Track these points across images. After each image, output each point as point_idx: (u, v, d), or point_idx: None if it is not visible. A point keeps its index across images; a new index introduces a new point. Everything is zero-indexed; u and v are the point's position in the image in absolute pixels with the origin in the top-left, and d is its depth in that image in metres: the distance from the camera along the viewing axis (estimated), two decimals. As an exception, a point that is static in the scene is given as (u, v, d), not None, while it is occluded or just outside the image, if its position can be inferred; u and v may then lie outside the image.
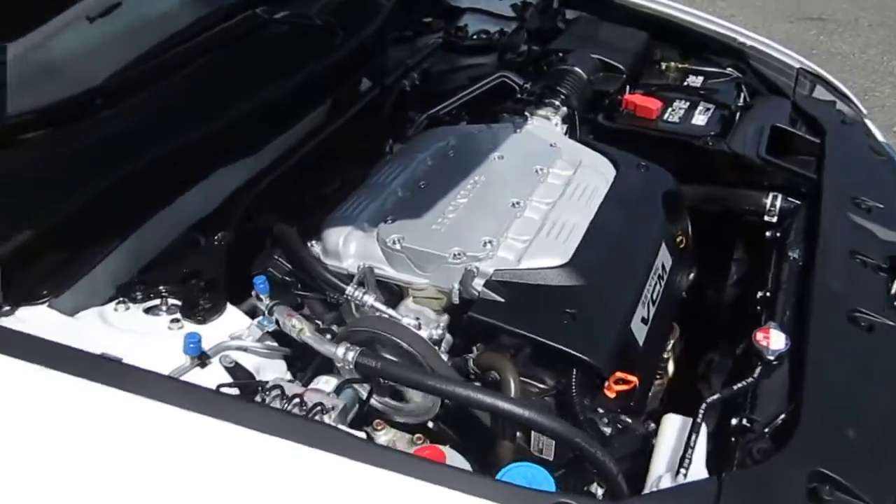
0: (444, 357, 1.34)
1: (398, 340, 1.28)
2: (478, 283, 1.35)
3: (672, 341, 1.61)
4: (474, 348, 1.35)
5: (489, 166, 1.65)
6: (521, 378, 1.31)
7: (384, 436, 1.34)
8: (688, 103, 2.02)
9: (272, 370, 1.34)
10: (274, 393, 1.16)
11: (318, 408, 1.14)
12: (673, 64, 2.20)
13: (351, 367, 1.23)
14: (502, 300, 1.33)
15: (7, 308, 1.26)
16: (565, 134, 1.90)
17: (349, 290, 1.36)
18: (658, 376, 1.63)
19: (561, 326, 1.29)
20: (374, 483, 0.95)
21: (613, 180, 1.64)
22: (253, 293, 1.39)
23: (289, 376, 1.35)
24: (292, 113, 1.81)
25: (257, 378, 1.29)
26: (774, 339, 1.33)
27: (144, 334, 1.28)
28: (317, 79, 1.88)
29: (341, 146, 1.80)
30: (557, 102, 1.92)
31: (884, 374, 1.29)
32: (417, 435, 1.31)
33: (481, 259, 1.40)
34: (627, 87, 2.07)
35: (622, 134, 1.94)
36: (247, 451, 0.99)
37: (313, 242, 1.51)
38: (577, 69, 2.04)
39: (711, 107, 2.00)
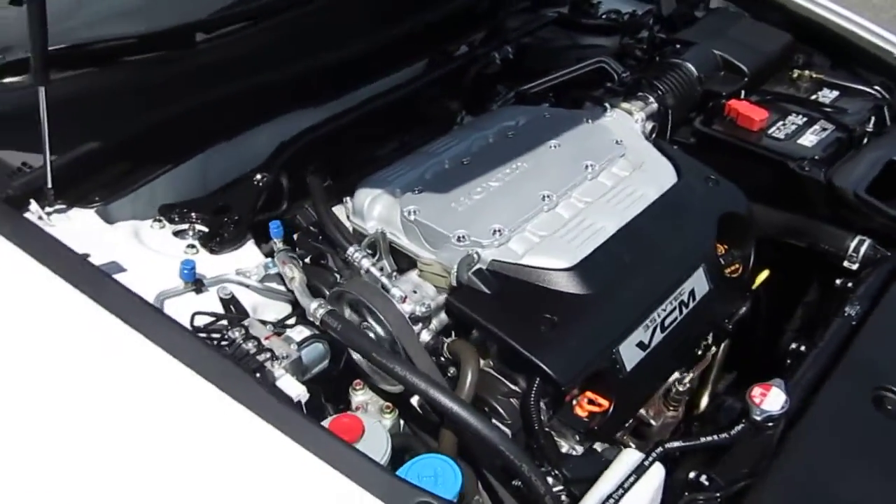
0: (425, 335, 1.34)
1: (372, 308, 1.31)
2: (470, 263, 1.34)
3: (691, 375, 1.49)
4: (453, 333, 1.35)
5: (540, 153, 1.59)
6: (495, 374, 1.29)
7: (360, 396, 1.39)
8: (804, 119, 1.81)
9: (272, 311, 1.43)
10: (238, 331, 1.24)
11: (268, 354, 1.21)
12: (807, 73, 1.96)
13: (318, 322, 1.28)
14: (487, 291, 1.30)
15: (63, 206, 1.43)
16: (651, 132, 1.78)
17: (350, 250, 1.40)
18: (672, 407, 1.53)
19: (534, 331, 1.25)
20: (251, 433, 0.99)
21: (667, 190, 1.52)
22: None
23: (292, 321, 1.42)
24: (378, 68, 1.85)
25: (253, 315, 1.38)
26: (771, 399, 1.20)
27: (160, 253, 1.41)
28: (414, 36, 1.90)
29: (413, 109, 1.82)
30: (651, 98, 1.80)
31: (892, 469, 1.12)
32: (387, 404, 1.34)
33: (485, 246, 1.37)
34: (742, 92, 1.89)
35: (715, 142, 1.78)
36: (149, 369, 1.06)
37: (347, 199, 1.56)
38: (687, 64, 1.89)
39: (830, 128, 1.78)
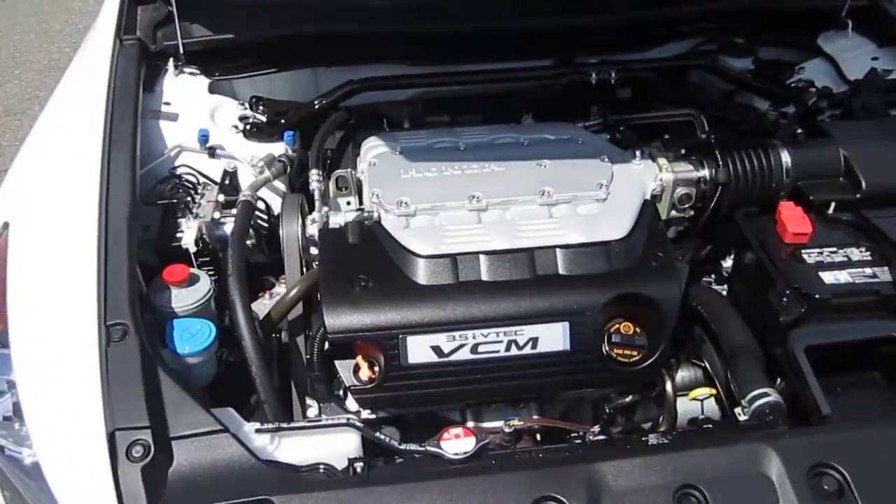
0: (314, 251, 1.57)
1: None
2: (364, 218, 1.53)
3: (516, 421, 1.45)
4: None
5: (521, 165, 1.63)
6: None
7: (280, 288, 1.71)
8: (863, 256, 1.47)
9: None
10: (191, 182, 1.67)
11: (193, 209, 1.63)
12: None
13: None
14: (349, 241, 1.48)
15: (191, 70, 1.96)
16: (686, 200, 1.66)
17: (312, 172, 1.68)
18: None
19: (344, 284, 1.40)
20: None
21: (587, 244, 1.46)
22: None
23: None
24: (508, 51, 2.00)
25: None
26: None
27: (213, 122, 1.86)
28: (556, 35, 2.00)
29: (487, 98, 1.95)
30: (701, 167, 1.64)
31: None
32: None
33: (387, 210, 1.53)
34: (832, 205, 1.59)
35: (736, 231, 1.58)
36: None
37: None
38: (781, 150, 1.65)
39: (881, 278, 1.43)
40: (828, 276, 1.44)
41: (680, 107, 1.84)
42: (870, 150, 1.66)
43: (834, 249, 1.50)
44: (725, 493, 1.11)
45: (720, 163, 1.64)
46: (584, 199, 1.56)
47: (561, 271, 1.44)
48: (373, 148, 1.73)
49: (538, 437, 1.50)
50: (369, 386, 1.39)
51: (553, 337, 1.40)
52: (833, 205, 1.59)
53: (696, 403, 1.52)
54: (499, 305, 1.40)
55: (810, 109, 1.88)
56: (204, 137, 1.78)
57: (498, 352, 1.39)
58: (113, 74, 1.76)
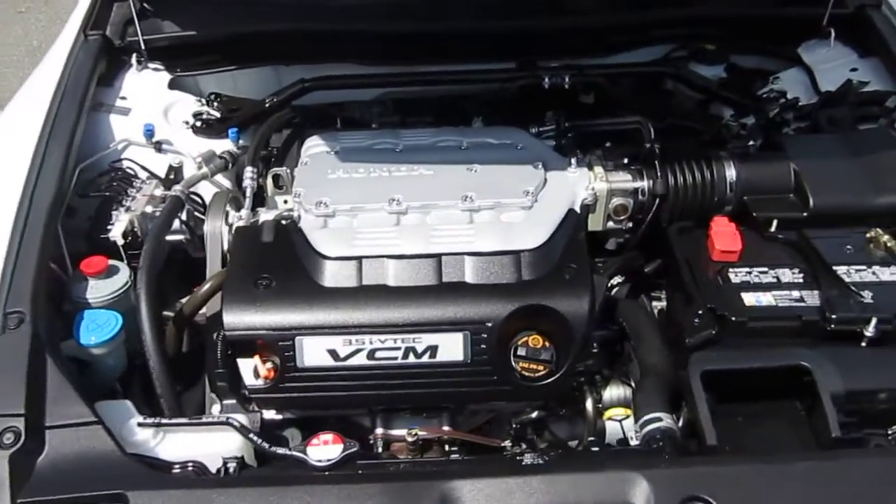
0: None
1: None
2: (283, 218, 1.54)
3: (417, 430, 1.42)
4: None
5: (451, 169, 1.59)
6: None
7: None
8: (797, 279, 1.39)
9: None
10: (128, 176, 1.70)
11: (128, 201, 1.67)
12: (886, 238, 1.44)
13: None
14: (263, 239, 1.47)
15: (155, 66, 1.99)
16: (626, 211, 1.60)
17: (247, 170, 1.69)
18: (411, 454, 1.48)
19: (247, 282, 1.39)
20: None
21: (495, 252, 1.41)
22: None
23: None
24: (471, 52, 1.97)
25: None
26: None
27: (166, 118, 1.89)
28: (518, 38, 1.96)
29: (439, 100, 1.92)
30: (641, 177, 1.58)
31: None
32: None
33: (307, 210, 1.52)
34: (775, 223, 1.50)
35: (666, 244, 1.51)
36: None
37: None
38: (729, 163, 1.57)
39: (808, 302, 1.34)
40: (750, 298, 1.36)
41: (637, 114, 1.76)
42: (824, 166, 1.56)
43: (765, 269, 1.42)
44: (584, 521, 1.06)
45: (659, 174, 1.57)
46: (509, 207, 1.51)
47: (468, 279, 1.40)
48: (311, 147, 1.72)
49: (447, 447, 1.47)
50: (265, 386, 1.38)
51: (452, 347, 1.36)
52: (776, 222, 1.51)
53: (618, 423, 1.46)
54: (399, 311, 1.37)
55: (774, 121, 1.78)
56: (149, 132, 1.80)
57: (395, 359, 1.36)
58: (68, 69, 1.80)
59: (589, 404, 1.46)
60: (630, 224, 1.62)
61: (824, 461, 1.10)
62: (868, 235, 1.46)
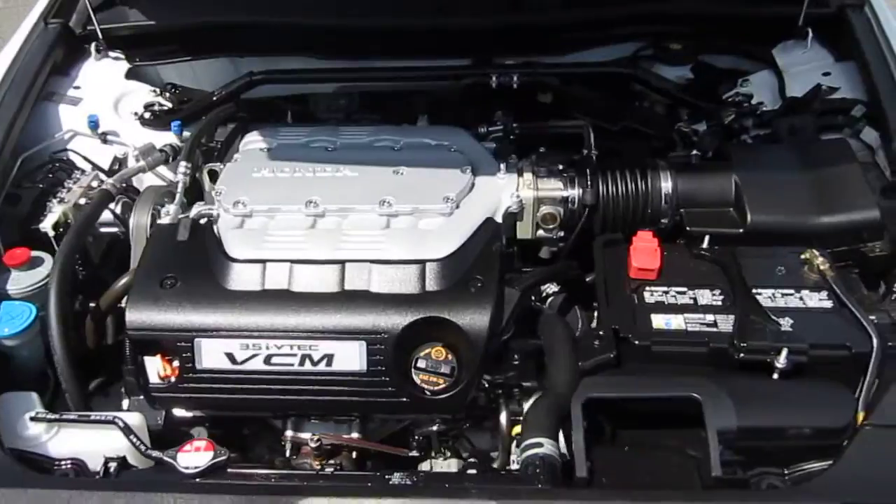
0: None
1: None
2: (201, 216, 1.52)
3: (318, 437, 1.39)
4: None
5: (377, 171, 1.56)
6: None
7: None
8: (717, 300, 1.31)
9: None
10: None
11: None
12: (820, 261, 1.34)
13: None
14: (177, 238, 1.46)
15: (115, 55, 1.99)
16: (555, 219, 1.54)
17: (181, 165, 1.67)
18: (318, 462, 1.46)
19: (153, 280, 1.38)
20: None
21: (403, 261, 1.37)
22: None
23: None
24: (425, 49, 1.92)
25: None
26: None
27: (115, 110, 1.89)
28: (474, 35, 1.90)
29: (386, 96, 1.87)
30: (572, 186, 1.51)
31: None
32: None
33: (225, 210, 1.50)
34: (705, 241, 1.42)
35: (588, 258, 1.45)
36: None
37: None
38: (662, 176, 1.50)
39: (721, 328, 1.26)
40: (659, 320, 1.29)
41: (592, 116, 1.69)
42: (769, 179, 1.47)
43: (683, 290, 1.34)
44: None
45: (590, 183, 1.50)
46: (428, 212, 1.47)
47: (372, 288, 1.36)
48: (248, 143, 1.71)
49: (354, 455, 1.44)
50: (166, 386, 1.38)
51: (349, 356, 1.33)
52: (707, 238, 1.43)
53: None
54: (297, 318, 1.34)
55: (731, 127, 1.68)
56: (93, 123, 1.80)
57: (292, 365, 1.34)
58: (20, 56, 1.82)
59: (503, 417, 1.41)
60: (562, 233, 1.56)
61: (692, 502, 1.03)
62: (803, 257, 1.37)
